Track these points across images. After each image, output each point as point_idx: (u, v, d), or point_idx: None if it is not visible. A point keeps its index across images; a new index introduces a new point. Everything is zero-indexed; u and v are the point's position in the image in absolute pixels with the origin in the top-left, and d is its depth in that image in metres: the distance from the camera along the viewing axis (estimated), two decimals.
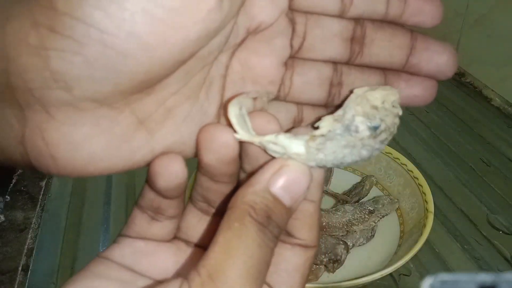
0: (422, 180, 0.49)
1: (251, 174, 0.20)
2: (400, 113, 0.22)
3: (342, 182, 0.55)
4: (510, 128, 0.70)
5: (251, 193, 0.19)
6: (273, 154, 0.21)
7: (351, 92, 0.23)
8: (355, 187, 0.54)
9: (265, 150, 0.21)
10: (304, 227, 0.22)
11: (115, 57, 0.17)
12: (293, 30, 0.22)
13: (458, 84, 0.81)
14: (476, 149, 0.65)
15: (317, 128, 0.22)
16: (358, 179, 0.55)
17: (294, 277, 0.22)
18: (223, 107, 0.22)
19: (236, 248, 0.18)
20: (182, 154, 0.21)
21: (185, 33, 0.17)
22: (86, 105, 0.18)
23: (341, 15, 0.22)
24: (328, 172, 0.53)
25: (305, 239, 0.22)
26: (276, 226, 0.19)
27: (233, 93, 0.22)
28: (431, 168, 0.60)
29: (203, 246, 0.24)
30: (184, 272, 0.18)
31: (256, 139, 0.20)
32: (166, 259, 0.23)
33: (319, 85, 0.23)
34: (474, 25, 0.78)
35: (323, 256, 0.43)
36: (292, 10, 0.22)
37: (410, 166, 0.51)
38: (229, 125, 0.21)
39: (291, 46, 0.22)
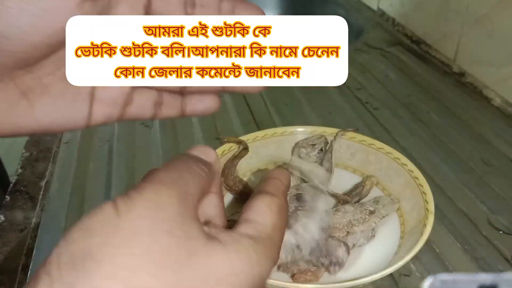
0: (422, 180, 0.49)
1: None
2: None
3: (342, 183, 0.55)
4: (510, 128, 0.70)
5: None
6: None
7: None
8: (355, 187, 0.54)
9: None
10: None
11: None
12: None
13: (458, 84, 0.81)
14: (476, 149, 0.65)
15: None
16: (359, 179, 0.55)
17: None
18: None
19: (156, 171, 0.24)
20: (68, 126, 0.26)
21: (51, 24, 0.23)
22: None
23: None
24: (329, 172, 0.53)
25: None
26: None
27: None
28: (431, 168, 0.60)
29: None
30: None
31: None
32: None
33: None
34: (474, 25, 0.78)
35: (324, 259, 0.43)
36: None
37: (411, 166, 0.51)
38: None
39: None
